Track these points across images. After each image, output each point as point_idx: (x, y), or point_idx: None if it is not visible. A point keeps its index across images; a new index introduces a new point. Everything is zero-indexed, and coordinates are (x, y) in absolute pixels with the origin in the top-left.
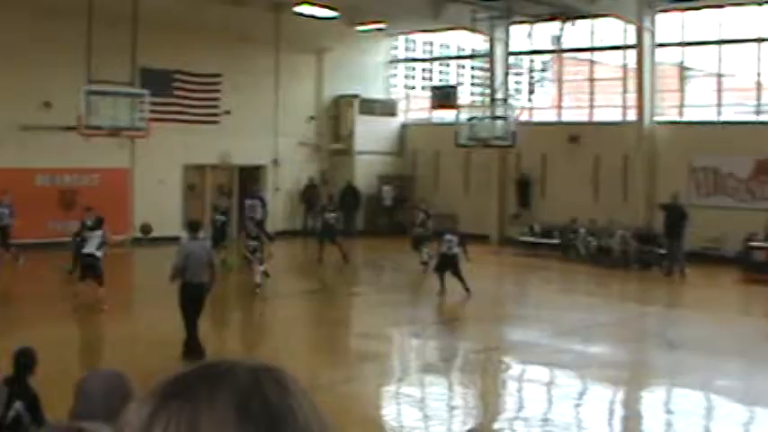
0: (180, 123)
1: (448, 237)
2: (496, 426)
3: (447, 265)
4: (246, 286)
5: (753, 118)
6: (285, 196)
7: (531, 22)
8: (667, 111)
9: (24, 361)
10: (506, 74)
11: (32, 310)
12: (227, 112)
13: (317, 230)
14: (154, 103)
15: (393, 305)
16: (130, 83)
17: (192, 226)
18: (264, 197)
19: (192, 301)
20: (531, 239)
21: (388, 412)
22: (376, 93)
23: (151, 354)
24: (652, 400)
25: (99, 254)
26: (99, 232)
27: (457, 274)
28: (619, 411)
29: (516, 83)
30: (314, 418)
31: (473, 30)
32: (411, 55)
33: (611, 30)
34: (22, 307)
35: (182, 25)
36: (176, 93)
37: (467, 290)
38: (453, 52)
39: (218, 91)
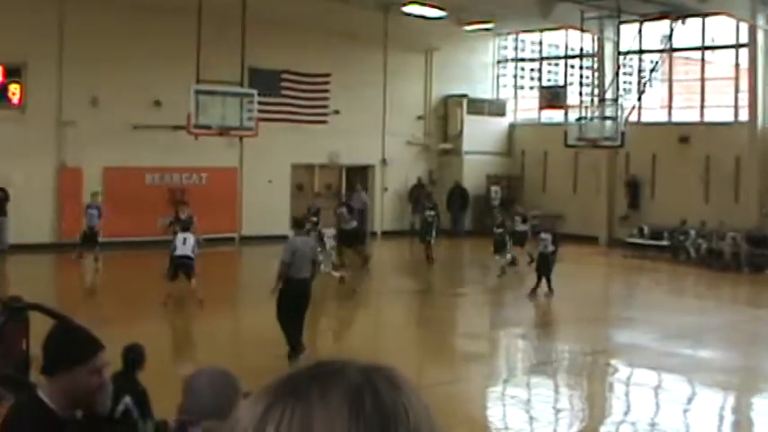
0: (288, 123)
1: (543, 236)
2: (603, 429)
3: (544, 263)
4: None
5: None
6: (393, 196)
7: (641, 21)
8: None
9: (133, 357)
10: (616, 73)
11: (133, 307)
12: (336, 112)
13: (417, 229)
14: (262, 103)
15: (499, 306)
16: (239, 82)
17: (298, 223)
18: (352, 204)
19: (298, 296)
20: (640, 241)
21: (494, 413)
22: (484, 92)
23: (257, 352)
24: (763, 406)
25: (193, 255)
26: (191, 235)
27: (547, 272)
28: (728, 417)
29: (625, 83)
30: (424, 418)
31: (582, 29)
32: (520, 55)
33: (722, 28)
34: (124, 304)
35: (290, 25)
36: (284, 92)
37: (550, 289)
38: (562, 52)
39: (326, 91)
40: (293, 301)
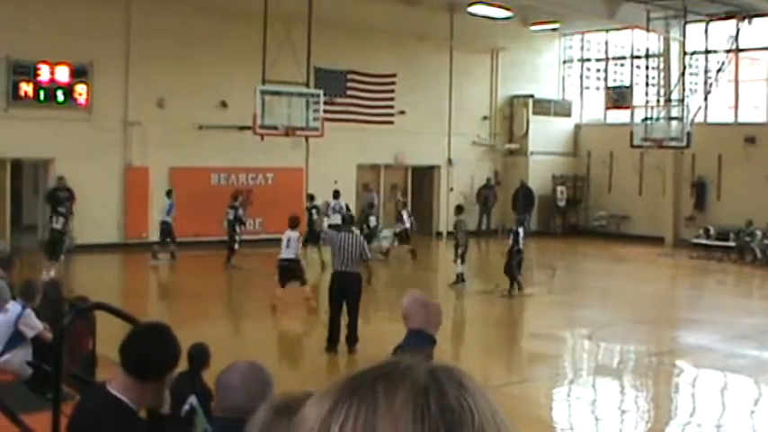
0: (354, 123)
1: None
2: (668, 431)
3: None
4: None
5: None
6: (459, 196)
7: (707, 21)
8: None
9: (198, 356)
10: (682, 74)
11: (201, 307)
12: (402, 112)
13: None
14: (328, 103)
15: (565, 306)
16: (305, 83)
17: (344, 219)
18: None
19: (345, 290)
20: (706, 242)
21: (560, 414)
22: (550, 93)
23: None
24: None
25: (297, 256)
26: (296, 234)
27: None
28: None
29: (691, 83)
30: (491, 420)
31: (648, 29)
32: (585, 55)
33: None
34: (191, 304)
35: (356, 25)
36: (350, 93)
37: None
38: (628, 52)
39: (392, 91)
40: (340, 295)
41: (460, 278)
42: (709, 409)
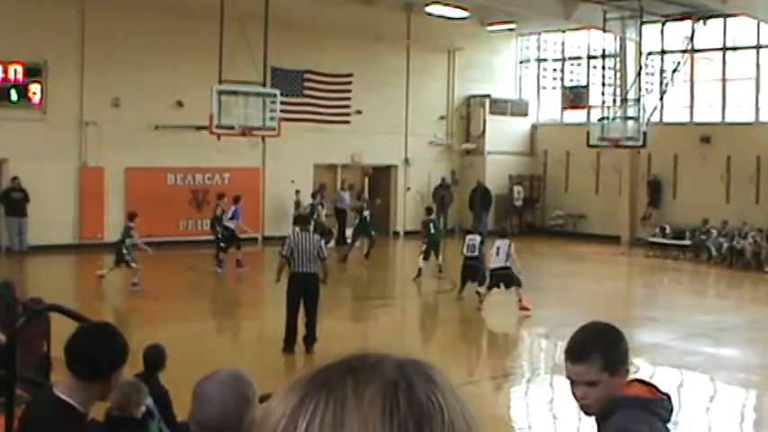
0: (311, 123)
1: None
2: None
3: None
4: (378, 285)
5: None
6: (416, 195)
7: (663, 22)
8: None
9: (153, 358)
10: (638, 74)
11: (162, 304)
12: (359, 112)
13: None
14: (285, 103)
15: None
16: (261, 82)
17: (300, 220)
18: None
19: (303, 290)
20: (662, 240)
21: (517, 413)
22: (507, 93)
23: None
24: None
25: (508, 264)
26: (506, 241)
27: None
28: (750, 416)
29: (647, 83)
30: (460, 415)
31: (604, 29)
32: (542, 55)
33: (743, 29)
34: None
35: (313, 25)
36: (307, 92)
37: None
38: (584, 52)
39: (349, 91)
40: (297, 295)
41: (419, 272)
42: None
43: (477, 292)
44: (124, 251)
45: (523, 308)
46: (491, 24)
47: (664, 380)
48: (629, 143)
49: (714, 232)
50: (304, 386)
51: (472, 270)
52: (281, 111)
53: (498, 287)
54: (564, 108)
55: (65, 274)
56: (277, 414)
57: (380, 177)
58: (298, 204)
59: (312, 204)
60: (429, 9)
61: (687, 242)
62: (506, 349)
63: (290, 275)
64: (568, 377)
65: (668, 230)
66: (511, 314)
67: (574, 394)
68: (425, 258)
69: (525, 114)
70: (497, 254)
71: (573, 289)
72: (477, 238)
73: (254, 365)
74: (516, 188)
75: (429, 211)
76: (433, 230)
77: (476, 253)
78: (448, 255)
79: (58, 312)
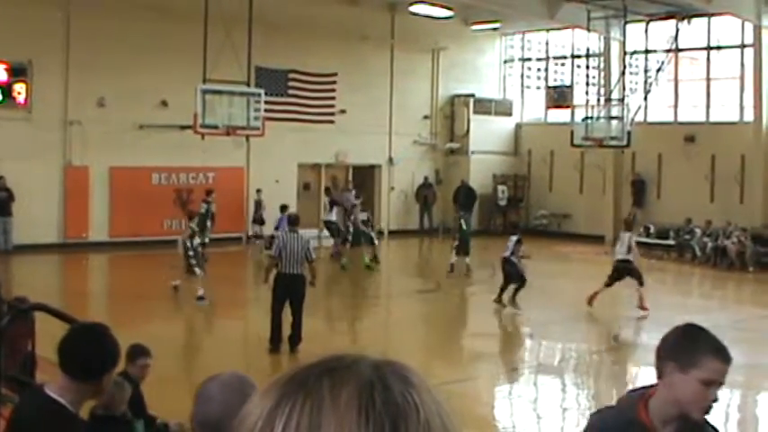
0: (295, 122)
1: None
2: None
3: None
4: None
5: None
6: (400, 195)
7: (647, 21)
8: None
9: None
10: (622, 73)
11: (145, 306)
12: (343, 112)
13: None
14: (269, 103)
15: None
16: (246, 82)
17: (290, 220)
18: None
19: (289, 291)
20: (646, 240)
21: (501, 412)
22: (491, 92)
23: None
24: None
25: (632, 257)
26: (628, 235)
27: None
28: (734, 415)
29: (631, 82)
30: (436, 415)
31: (588, 29)
32: (526, 54)
33: (727, 28)
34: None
35: (297, 25)
36: (291, 92)
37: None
38: (568, 51)
39: (333, 90)
40: (283, 296)
41: (452, 268)
42: None
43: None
44: (190, 253)
45: (642, 307)
46: (475, 24)
47: (649, 380)
48: (614, 143)
49: (698, 232)
50: (281, 387)
51: (512, 272)
52: (266, 110)
53: (620, 280)
54: (548, 107)
55: (50, 273)
56: (254, 415)
57: (365, 177)
58: (259, 204)
59: (353, 205)
60: (413, 8)
61: (671, 242)
62: (491, 348)
63: (277, 276)
64: (710, 380)
65: (652, 230)
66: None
67: (705, 398)
68: (457, 254)
69: (509, 114)
70: (620, 245)
71: (557, 288)
72: (513, 239)
73: (239, 365)
74: (500, 188)
75: (459, 206)
76: (465, 227)
77: (506, 254)
78: (434, 253)
79: (42, 311)
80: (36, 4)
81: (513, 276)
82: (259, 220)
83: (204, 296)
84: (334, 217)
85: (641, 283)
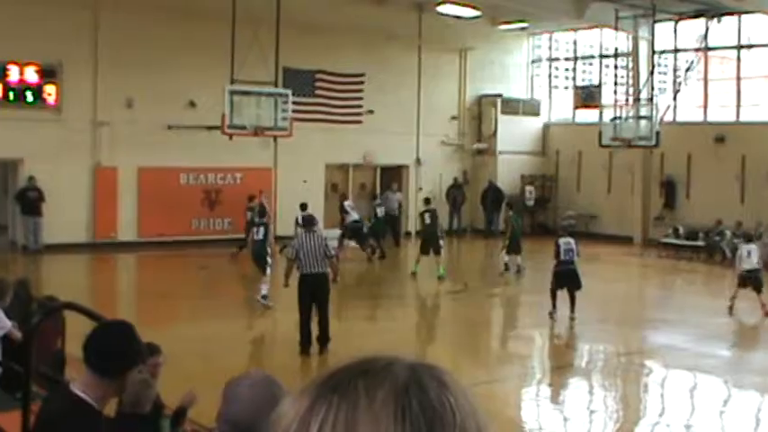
0: (322, 123)
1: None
2: (637, 431)
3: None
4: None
5: None
6: (428, 195)
7: (676, 20)
8: None
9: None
10: (650, 73)
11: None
12: (370, 112)
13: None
14: (296, 103)
15: (534, 306)
16: (273, 83)
17: (307, 220)
18: (384, 204)
19: (313, 291)
20: (675, 241)
21: (528, 414)
22: (518, 92)
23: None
24: None
25: (760, 266)
26: (754, 246)
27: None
28: (765, 419)
29: (660, 82)
30: (471, 418)
31: (617, 28)
32: (554, 54)
33: (758, 27)
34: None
35: (324, 25)
36: (318, 92)
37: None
38: (596, 51)
39: (360, 91)
40: (308, 296)
41: (507, 267)
42: (678, 409)
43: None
44: (268, 249)
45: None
46: (502, 24)
47: (678, 383)
48: (642, 143)
49: (728, 233)
50: (316, 389)
51: (571, 277)
52: (293, 111)
53: (745, 288)
54: (576, 107)
55: (79, 272)
56: (289, 417)
57: (392, 177)
58: (255, 209)
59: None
60: (440, 9)
61: (701, 243)
62: (518, 350)
63: (300, 277)
64: None
65: (681, 231)
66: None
67: None
68: (509, 253)
69: (537, 114)
70: (749, 256)
71: (584, 290)
72: (572, 242)
73: (268, 366)
74: (528, 188)
75: (510, 206)
76: (516, 226)
77: (574, 258)
78: (463, 253)
79: (72, 310)
80: (66, 5)
81: (575, 282)
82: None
83: (267, 296)
84: (357, 215)
85: (760, 291)
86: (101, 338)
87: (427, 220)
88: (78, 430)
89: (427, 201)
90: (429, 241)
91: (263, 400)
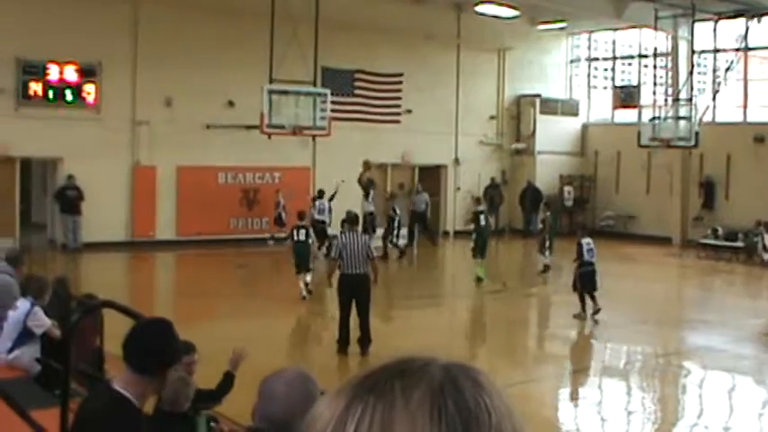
0: (361, 122)
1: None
2: None
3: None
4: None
5: None
6: (466, 196)
7: (716, 20)
8: None
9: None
10: (690, 73)
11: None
12: (409, 112)
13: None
14: (335, 102)
15: (571, 306)
16: (312, 82)
17: (348, 220)
18: (413, 206)
19: (353, 292)
20: (714, 242)
21: (565, 414)
22: (557, 92)
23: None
24: None
25: None
26: None
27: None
28: None
29: (700, 82)
30: (507, 419)
31: (656, 28)
32: (593, 54)
33: None
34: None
35: (363, 25)
36: (357, 92)
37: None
38: (636, 51)
39: (399, 90)
40: (348, 296)
41: (547, 268)
42: (716, 410)
43: (592, 298)
44: (312, 250)
45: None
46: (541, 23)
47: (716, 384)
48: (681, 143)
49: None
50: (352, 389)
51: (591, 278)
52: (332, 110)
53: None
54: (615, 108)
55: (117, 270)
56: (325, 417)
57: (431, 177)
58: (277, 205)
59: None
60: (479, 8)
61: (740, 244)
62: (555, 350)
63: (341, 277)
64: None
65: (720, 232)
66: None
67: None
68: (551, 253)
69: (576, 114)
70: None
71: (623, 290)
72: (592, 242)
73: (307, 366)
74: (566, 188)
75: (548, 206)
76: (553, 226)
77: (594, 259)
78: (500, 253)
79: (110, 308)
80: (105, 5)
81: (594, 283)
82: (279, 222)
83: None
84: (373, 207)
85: None
86: (141, 336)
87: (482, 222)
88: (119, 427)
89: (478, 200)
90: (484, 243)
91: (299, 397)
